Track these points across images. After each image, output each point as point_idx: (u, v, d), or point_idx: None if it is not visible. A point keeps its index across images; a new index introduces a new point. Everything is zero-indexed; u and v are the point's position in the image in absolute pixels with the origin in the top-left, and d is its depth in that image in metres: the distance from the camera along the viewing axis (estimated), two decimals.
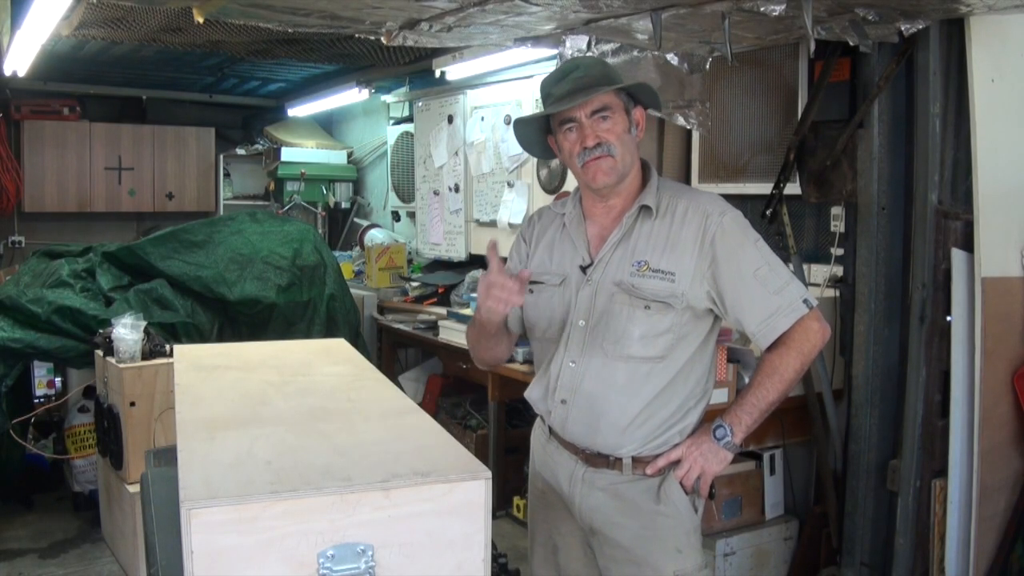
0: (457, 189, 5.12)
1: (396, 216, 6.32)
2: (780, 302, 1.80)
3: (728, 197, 3.40)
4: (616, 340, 1.84)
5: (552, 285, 1.94)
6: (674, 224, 1.84)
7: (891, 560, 2.80)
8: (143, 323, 3.47)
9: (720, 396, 2.87)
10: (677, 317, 1.81)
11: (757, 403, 1.83)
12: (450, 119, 5.13)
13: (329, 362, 2.23)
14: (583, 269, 1.90)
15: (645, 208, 1.86)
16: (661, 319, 1.81)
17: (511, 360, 3.67)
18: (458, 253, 5.20)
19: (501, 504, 4.09)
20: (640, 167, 1.92)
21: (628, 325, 1.83)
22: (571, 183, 4.24)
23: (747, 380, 3.05)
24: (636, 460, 1.87)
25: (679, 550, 1.88)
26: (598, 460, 1.90)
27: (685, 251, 1.81)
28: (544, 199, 4.39)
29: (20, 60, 3.88)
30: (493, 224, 4.81)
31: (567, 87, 1.81)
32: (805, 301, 1.82)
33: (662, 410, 1.85)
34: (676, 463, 1.87)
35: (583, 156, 1.82)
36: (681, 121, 3.36)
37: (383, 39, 2.80)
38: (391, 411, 1.75)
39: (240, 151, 7.19)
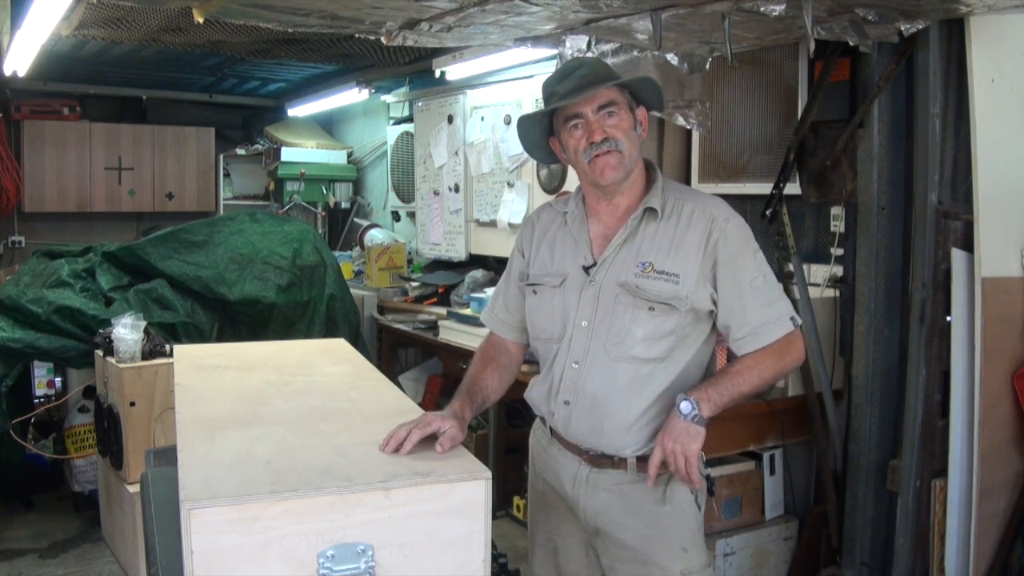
0: (457, 189, 5.12)
1: (396, 216, 6.32)
2: (769, 315, 1.81)
3: (728, 197, 3.40)
4: (619, 341, 1.83)
5: (552, 286, 1.94)
6: (679, 226, 1.84)
7: (891, 560, 2.80)
8: (143, 323, 3.47)
9: None
10: (680, 319, 1.81)
11: (730, 389, 1.80)
12: (450, 119, 5.13)
13: (329, 362, 2.24)
14: (586, 269, 1.89)
15: (650, 210, 1.86)
16: (665, 321, 1.81)
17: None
18: (458, 253, 5.20)
19: (501, 504, 4.08)
20: (644, 166, 1.92)
21: (632, 326, 1.82)
22: (571, 183, 4.24)
23: None
24: (640, 460, 1.87)
25: (685, 548, 1.88)
26: (602, 461, 1.89)
27: (690, 253, 1.81)
28: (544, 199, 4.39)
29: (20, 60, 3.88)
30: (493, 224, 4.81)
31: (572, 84, 1.80)
32: (792, 318, 1.84)
33: (665, 410, 1.85)
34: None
35: (590, 152, 1.81)
36: (681, 121, 3.36)
37: (383, 39, 2.80)
38: (391, 411, 1.75)
39: (240, 151, 7.19)
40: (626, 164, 1.83)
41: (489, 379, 1.98)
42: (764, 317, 1.81)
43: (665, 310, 1.81)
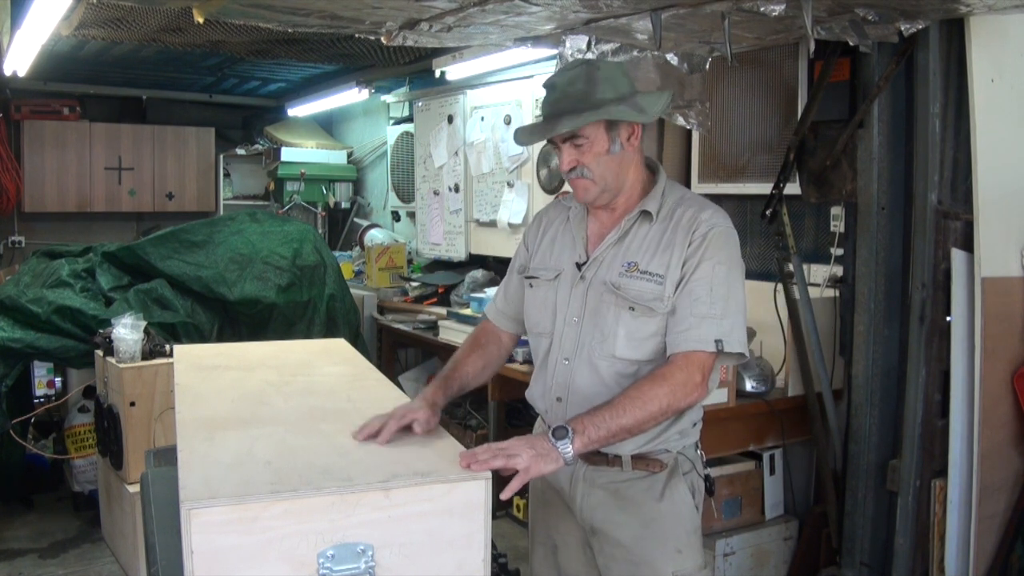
0: (457, 189, 5.12)
1: (396, 216, 6.32)
2: (692, 325, 1.75)
3: (728, 197, 3.39)
4: (603, 340, 1.84)
5: (547, 280, 1.95)
6: (669, 228, 1.84)
7: (891, 560, 2.80)
8: (143, 323, 3.47)
9: (720, 396, 2.87)
10: (662, 321, 1.80)
11: (608, 421, 1.66)
12: (450, 119, 5.13)
13: (329, 362, 2.23)
14: (578, 266, 1.91)
15: (645, 213, 1.86)
16: (647, 322, 1.80)
17: (511, 360, 3.67)
18: (458, 253, 5.20)
19: (501, 504, 4.08)
20: (645, 168, 1.91)
21: (615, 326, 1.83)
22: None
23: (747, 380, 3.07)
24: (636, 458, 1.87)
25: (679, 550, 1.88)
26: (597, 458, 1.89)
27: (674, 253, 1.81)
28: (544, 199, 4.39)
29: (20, 60, 3.88)
30: (493, 224, 4.81)
31: (546, 110, 1.83)
32: (718, 342, 1.73)
33: None
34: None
35: (568, 174, 1.86)
36: (681, 121, 3.36)
37: (383, 39, 2.80)
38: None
39: (240, 151, 7.19)
40: (598, 187, 1.84)
41: (471, 366, 2.01)
42: (687, 326, 1.75)
43: (645, 311, 1.80)
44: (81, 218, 6.73)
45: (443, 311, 4.67)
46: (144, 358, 3.42)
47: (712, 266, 1.78)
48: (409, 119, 5.90)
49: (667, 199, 1.87)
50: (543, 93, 1.88)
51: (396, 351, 5.35)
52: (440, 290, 5.03)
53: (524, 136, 1.88)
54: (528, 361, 3.57)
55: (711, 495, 2.01)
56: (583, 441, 1.63)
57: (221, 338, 4.09)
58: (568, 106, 1.78)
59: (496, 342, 2.08)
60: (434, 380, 1.92)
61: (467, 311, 4.34)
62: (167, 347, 3.50)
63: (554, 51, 3.14)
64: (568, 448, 1.61)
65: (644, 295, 1.80)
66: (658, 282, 1.80)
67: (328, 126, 7.41)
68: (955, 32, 2.63)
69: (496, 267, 4.90)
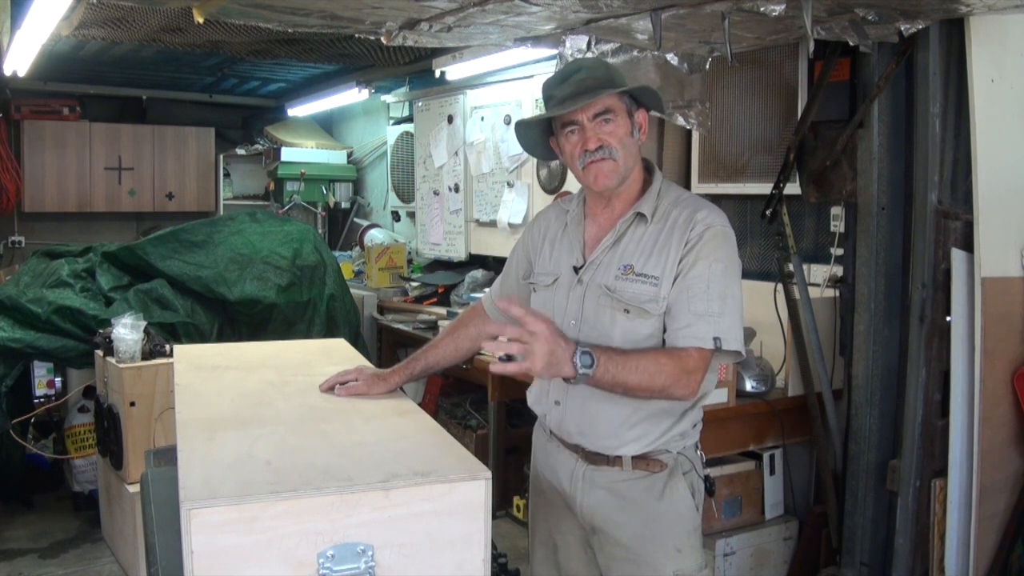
0: (457, 189, 5.12)
1: (396, 216, 6.32)
2: (691, 322, 1.75)
3: (728, 197, 3.39)
4: (600, 343, 1.84)
5: (545, 285, 1.96)
6: (665, 229, 1.83)
7: (891, 560, 2.80)
8: (143, 323, 3.47)
9: (720, 396, 2.87)
10: (657, 323, 1.80)
11: (621, 371, 1.67)
12: (450, 119, 5.13)
13: (329, 362, 2.23)
14: (575, 270, 1.91)
15: (640, 215, 1.86)
16: (642, 324, 1.80)
17: (510, 359, 3.67)
18: (458, 253, 5.20)
19: (501, 504, 4.08)
20: (643, 169, 1.92)
21: (611, 328, 1.83)
22: (571, 183, 4.25)
23: (747, 380, 3.07)
24: (636, 459, 1.87)
25: (679, 550, 1.88)
26: (598, 458, 1.90)
27: (670, 254, 1.81)
28: (544, 199, 4.40)
29: (20, 60, 3.88)
30: (493, 224, 4.81)
31: (569, 89, 1.80)
32: (716, 340, 1.73)
33: (653, 413, 1.85)
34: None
35: (584, 158, 1.82)
36: (681, 121, 3.36)
37: (383, 39, 2.80)
38: (391, 411, 1.75)
39: (240, 151, 7.19)
40: (620, 171, 1.83)
41: (444, 347, 2.11)
42: (684, 322, 1.75)
43: (640, 313, 1.80)
44: (81, 218, 6.73)
45: (443, 311, 4.67)
46: (144, 358, 3.42)
47: (709, 264, 1.78)
48: (409, 119, 5.90)
49: (662, 200, 1.88)
50: (545, 89, 1.88)
51: (396, 351, 5.35)
52: (440, 290, 5.03)
53: (555, 108, 1.82)
54: None
55: (711, 496, 2.01)
56: (598, 375, 1.65)
57: (221, 338, 4.09)
58: (597, 84, 1.79)
59: (479, 324, 2.13)
60: (408, 358, 2.08)
61: None
62: (167, 347, 3.50)
63: (554, 51, 3.14)
64: (585, 375, 1.63)
65: (639, 297, 1.80)
66: (653, 284, 1.80)
67: (328, 126, 7.41)
68: (955, 32, 2.63)
69: (496, 267, 4.90)
